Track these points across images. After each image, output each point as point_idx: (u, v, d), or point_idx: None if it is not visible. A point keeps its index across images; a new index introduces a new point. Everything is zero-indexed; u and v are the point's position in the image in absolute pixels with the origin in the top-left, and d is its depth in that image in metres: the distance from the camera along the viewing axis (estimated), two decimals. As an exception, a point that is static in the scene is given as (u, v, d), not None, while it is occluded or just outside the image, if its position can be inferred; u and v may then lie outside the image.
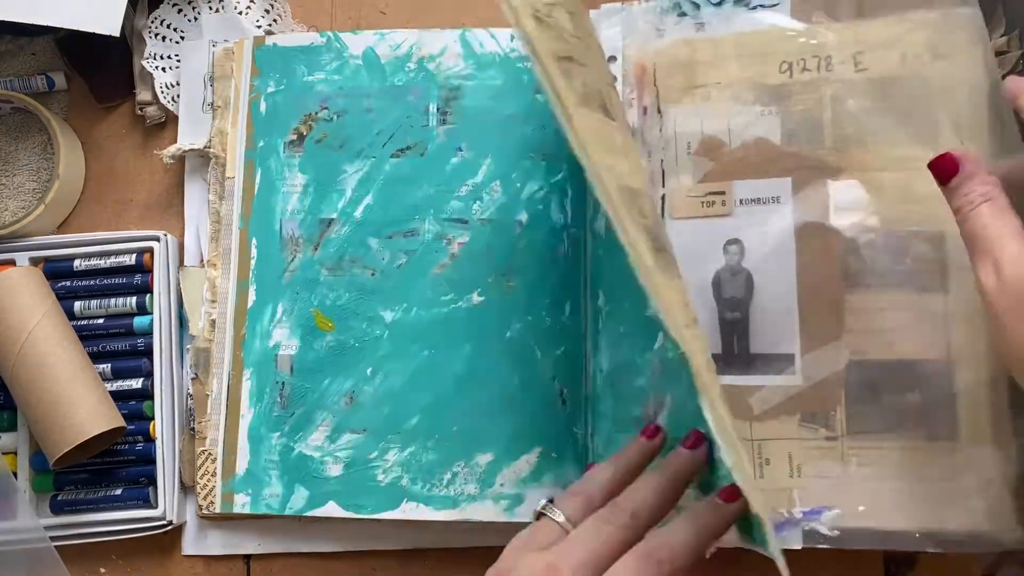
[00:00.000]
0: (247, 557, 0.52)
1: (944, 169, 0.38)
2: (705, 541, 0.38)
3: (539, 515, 0.40)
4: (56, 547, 0.50)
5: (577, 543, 0.38)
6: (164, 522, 0.51)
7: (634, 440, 0.42)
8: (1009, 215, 0.36)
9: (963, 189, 0.37)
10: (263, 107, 0.54)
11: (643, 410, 0.45)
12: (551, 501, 0.40)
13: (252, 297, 0.52)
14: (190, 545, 0.52)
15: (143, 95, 0.56)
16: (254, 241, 0.52)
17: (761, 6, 0.52)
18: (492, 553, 0.50)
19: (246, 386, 0.51)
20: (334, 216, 0.52)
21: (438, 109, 0.52)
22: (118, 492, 0.51)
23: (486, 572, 0.39)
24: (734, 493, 0.38)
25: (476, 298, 0.50)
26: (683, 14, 0.53)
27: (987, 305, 0.35)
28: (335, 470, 0.50)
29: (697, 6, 0.53)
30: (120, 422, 0.49)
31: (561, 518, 0.39)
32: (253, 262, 0.52)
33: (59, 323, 0.50)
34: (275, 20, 0.56)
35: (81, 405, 0.48)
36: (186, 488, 0.52)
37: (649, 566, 0.36)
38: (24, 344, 0.48)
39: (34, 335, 0.48)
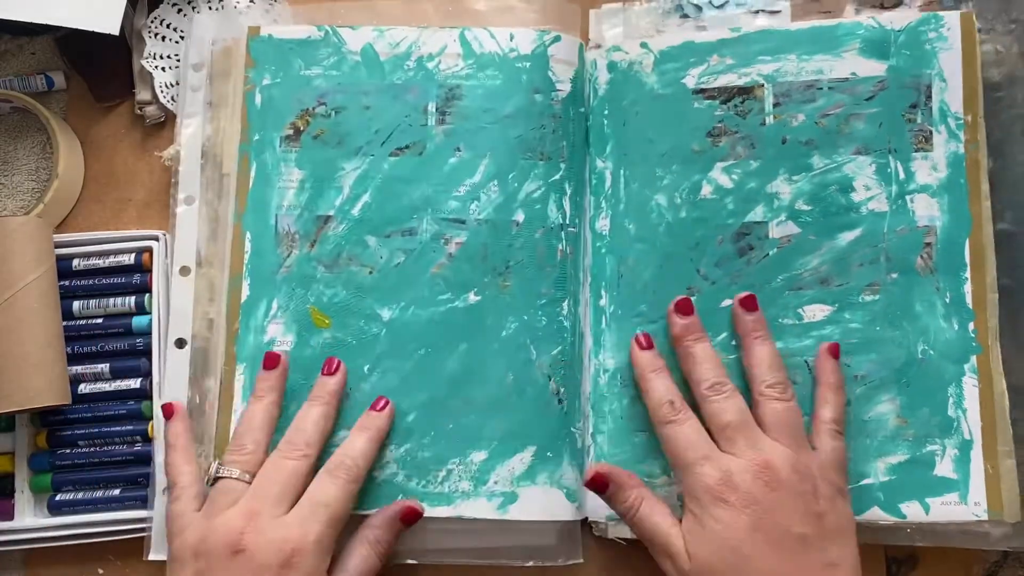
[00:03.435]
0: (244, 558, 0.52)
1: (597, 485, 0.44)
2: (376, 442, 0.47)
3: (215, 480, 0.45)
4: (54, 547, 0.50)
5: (266, 484, 0.44)
6: (162, 522, 0.51)
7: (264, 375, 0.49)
8: (659, 506, 0.43)
9: (619, 497, 0.44)
10: (258, 100, 0.53)
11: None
12: (220, 464, 0.45)
13: (246, 292, 0.51)
14: (187, 545, 0.52)
15: (142, 94, 0.56)
16: (248, 235, 0.52)
17: (763, 11, 0.52)
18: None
19: (239, 381, 0.50)
20: (331, 213, 0.51)
21: (437, 108, 0.52)
22: (116, 492, 0.51)
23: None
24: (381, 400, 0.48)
25: (472, 297, 0.50)
26: (685, 16, 0.53)
27: None
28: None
29: (699, 8, 0.53)
30: (68, 400, 0.49)
31: (237, 473, 0.45)
32: (247, 256, 0.52)
33: (53, 285, 0.50)
34: (274, 20, 0.56)
35: (45, 373, 0.48)
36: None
37: (339, 473, 0.44)
38: (17, 294, 0.48)
39: (28, 289, 0.48)
